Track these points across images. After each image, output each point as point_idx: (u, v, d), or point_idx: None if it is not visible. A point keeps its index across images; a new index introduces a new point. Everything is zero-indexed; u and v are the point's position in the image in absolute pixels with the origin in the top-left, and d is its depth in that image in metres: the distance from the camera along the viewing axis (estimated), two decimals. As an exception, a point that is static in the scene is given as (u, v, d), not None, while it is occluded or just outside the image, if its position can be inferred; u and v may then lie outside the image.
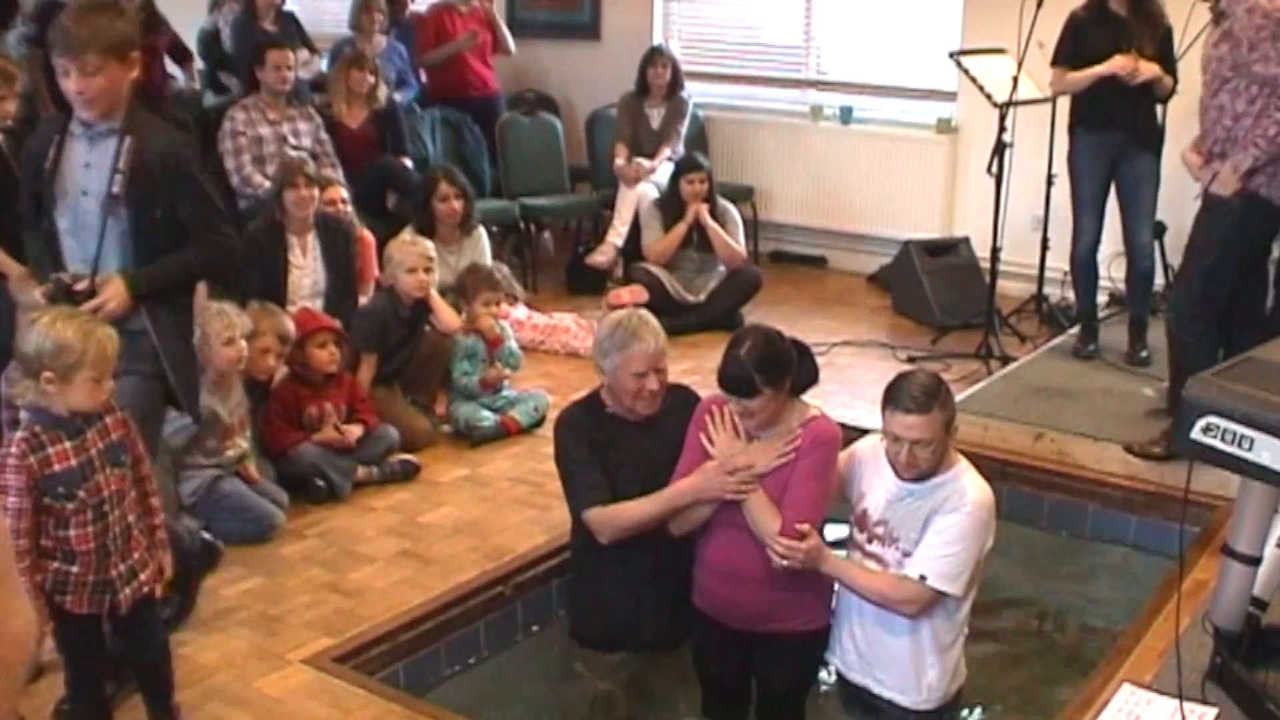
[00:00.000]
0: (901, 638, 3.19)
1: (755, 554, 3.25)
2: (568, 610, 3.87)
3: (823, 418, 3.32)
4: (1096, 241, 5.68)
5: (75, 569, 2.82)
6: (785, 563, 3.17)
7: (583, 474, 3.52)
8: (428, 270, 5.08)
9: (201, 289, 5.07)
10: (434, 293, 5.17)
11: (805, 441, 3.25)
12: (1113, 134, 5.47)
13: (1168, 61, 5.43)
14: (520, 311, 6.29)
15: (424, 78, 7.89)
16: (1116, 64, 5.34)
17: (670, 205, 6.66)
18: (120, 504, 2.89)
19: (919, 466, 3.14)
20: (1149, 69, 5.35)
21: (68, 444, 2.80)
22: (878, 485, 3.23)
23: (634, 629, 3.59)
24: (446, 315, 5.17)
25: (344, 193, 5.75)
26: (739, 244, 6.67)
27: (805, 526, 3.17)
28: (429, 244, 5.20)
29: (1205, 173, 4.33)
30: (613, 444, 3.55)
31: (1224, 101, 4.24)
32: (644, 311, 3.67)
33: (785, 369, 3.21)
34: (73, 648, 2.94)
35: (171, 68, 7.94)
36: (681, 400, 3.61)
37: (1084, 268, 5.75)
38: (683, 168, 6.68)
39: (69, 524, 2.80)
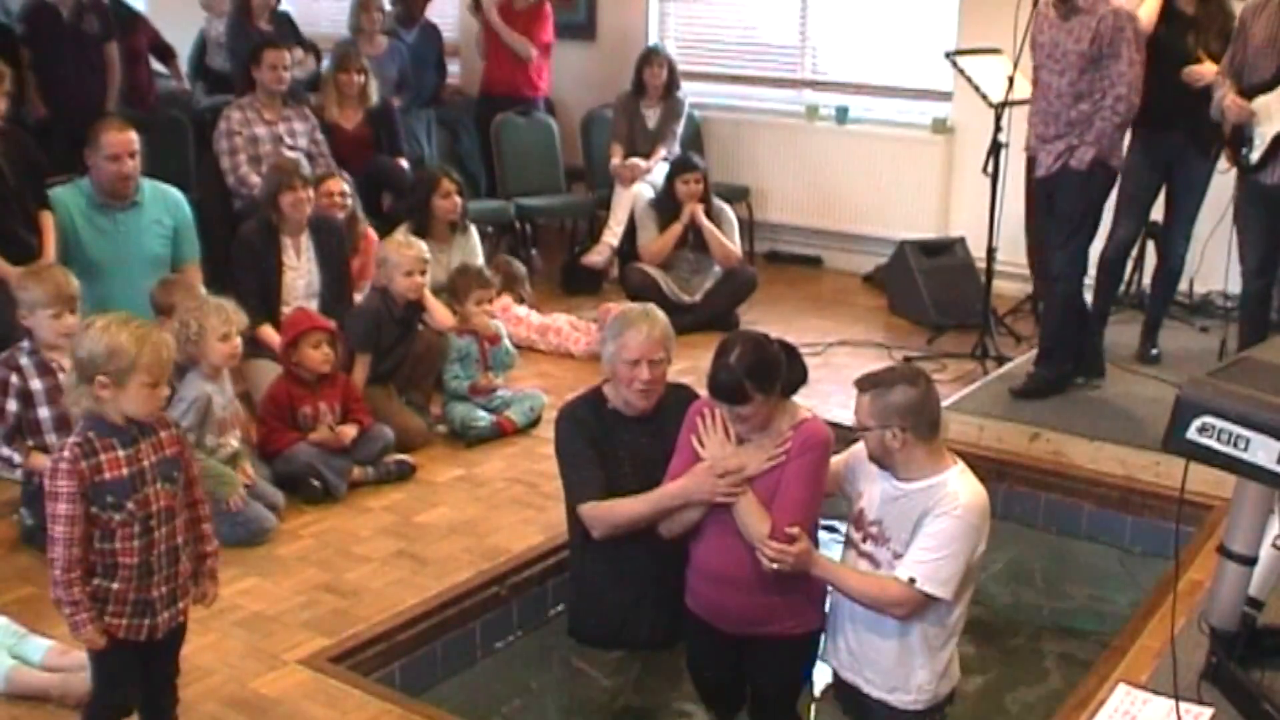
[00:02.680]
0: (891, 639, 3.19)
1: (746, 557, 3.24)
2: (566, 607, 3.87)
3: (814, 420, 3.32)
4: (1130, 243, 5.64)
5: (116, 585, 2.74)
6: (775, 566, 3.16)
7: (580, 468, 3.53)
8: (423, 273, 5.07)
9: (196, 282, 5.10)
10: (427, 292, 5.17)
11: (796, 444, 3.24)
12: (1170, 134, 5.34)
13: None
14: (521, 309, 6.29)
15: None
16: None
17: (666, 205, 6.66)
18: (169, 522, 2.80)
19: (868, 447, 3.18)
20: (1205, 74, 5.17)
21: (120, 452, 2.72)
22: (874, 485, 3.24)
23: (631, 627, 3.59)
24: (440, 313, 5.16)
25: (345, 185, 5.74)
26: (734, 244, 6.68)
27: (795, 530, 3.16)
28: (423, 246, 5.19)
29: (1053, 149, 5.08)
30: (612, 439, 3.56)
31: (1082, 89, 4.97)
32: (651, 305, 3.70)
33: (776, 373, 3.21)
34: (105, 671, 2.84)
35: (156, 64, 7.94)
36: (682, 398, 3.61)
37: (1112, 266, 5.64)
38: (678, 168, 6.68)
39: (114, 536, 2.71)
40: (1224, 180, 5.31)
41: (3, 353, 4.11)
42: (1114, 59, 4.91)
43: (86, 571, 2.72)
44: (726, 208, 6.82)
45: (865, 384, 3.18)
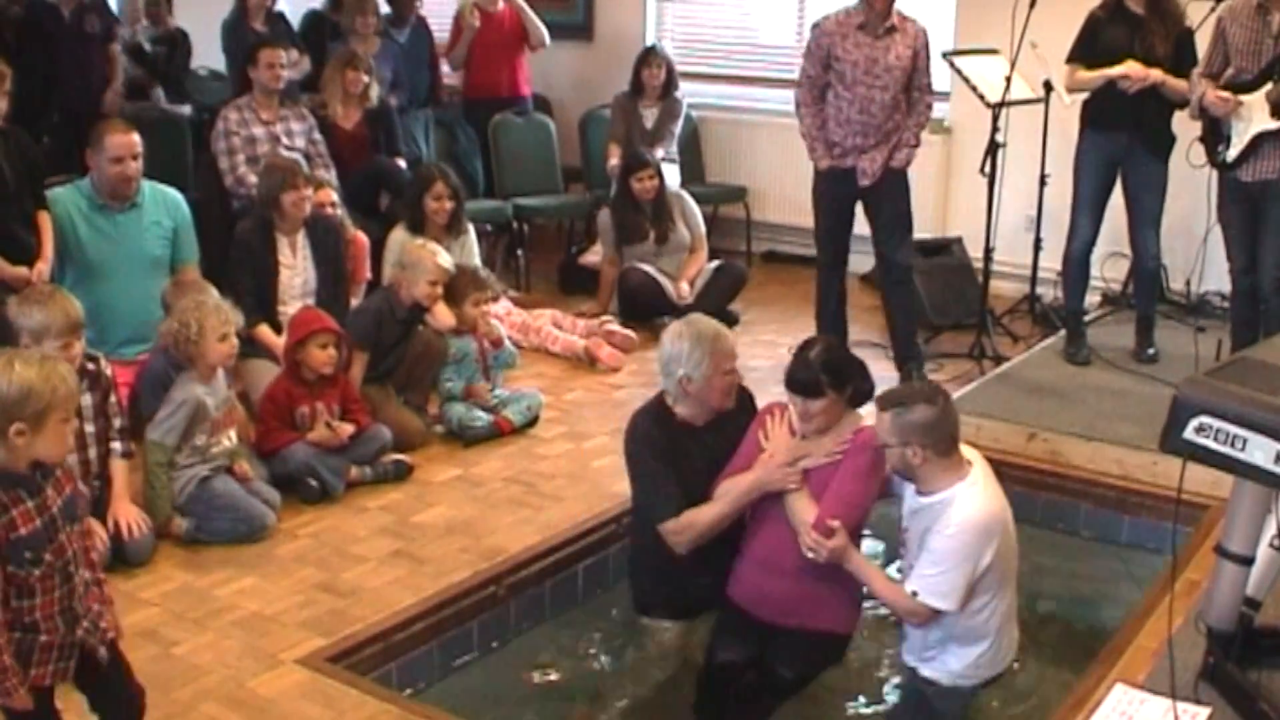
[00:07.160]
0: (921, 629, 3.39)
1: (793, 546, 3.42)
2: (634, 586, 3.94)
3: (872, 428, 3.46)
4: (1091, 242, 5.67)
5: (44, 637, 2.56)
6: (811, 554, 3.35)
7: (658, 487, 3.66)
8: (444, 283, 5.10)
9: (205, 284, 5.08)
10: (434, 293, 5.17)
11: (854, 446, 3.46)
12: (1117, 135, 5.42)
13: (1184, 63, 5.31)
14: (500, 306, 6.28)
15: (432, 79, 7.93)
16: (1120, 71, 5.31)
17: (623, 206, 6.67)
18: (82, 562, 2.63)
19: (889, 463, 3.36)
20: (1149, 76, 5.28)
21: (30, 504, 2.51)
22: (907, 495, 3.43)
23: (711, 595, 3.71)
24: (442, 314, 5.15)
25: (335, 196, 5.74)
26: (700, 232, 6.82)
27: (835, 523, 3.33)
28: (449, 257, 5.20)
29: (876, 156, 5.49)
30: (683, 450, 3.69)
31: (900, 100, 5.40)
32: (696, 315, 3.87)
33: (849, 375, 3.47)
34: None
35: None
36: (741, 399, 3.80)
37: (1076, 266, 5.74)
38: (631, 166, 6.71)
39: (35, 592, 2.52)
40: (1215, 179, 5.31)
41: None
42: (924, 72, 5.43)
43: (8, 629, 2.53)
44: (685, 194, 6.88)
45: (886, 402, 3.32)
